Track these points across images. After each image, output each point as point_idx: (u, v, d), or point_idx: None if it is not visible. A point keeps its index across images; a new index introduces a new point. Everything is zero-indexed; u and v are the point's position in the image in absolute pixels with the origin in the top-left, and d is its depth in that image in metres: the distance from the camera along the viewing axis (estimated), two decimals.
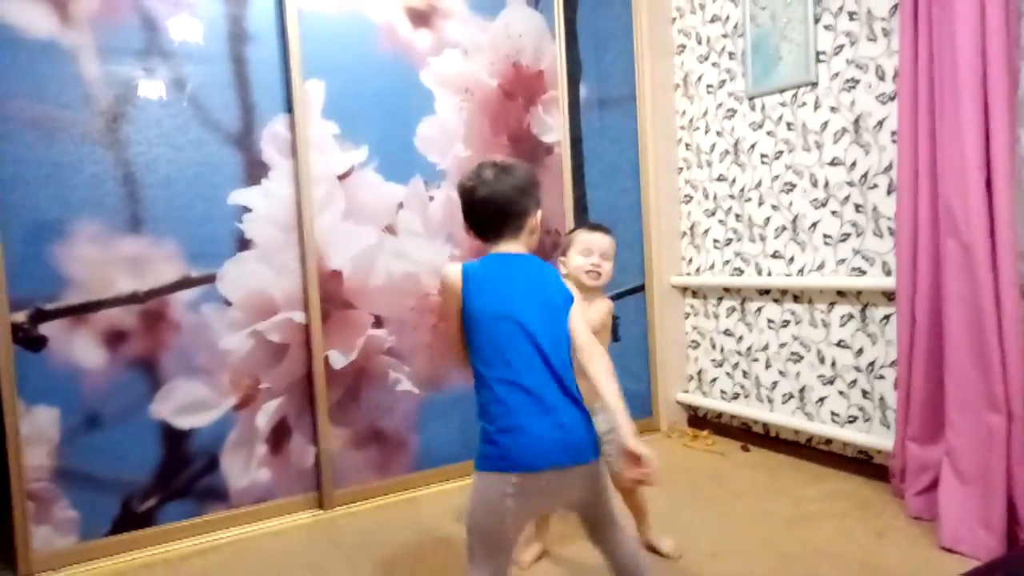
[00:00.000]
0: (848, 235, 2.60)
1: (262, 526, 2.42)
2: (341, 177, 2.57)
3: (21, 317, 2.13)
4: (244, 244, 2.42)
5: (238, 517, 2.41)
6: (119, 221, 2.25)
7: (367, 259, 2.62)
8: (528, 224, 1.49)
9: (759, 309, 2.98)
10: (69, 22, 2.17)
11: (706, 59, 3.14)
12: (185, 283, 2.34)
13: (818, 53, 2.65)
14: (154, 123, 2.30)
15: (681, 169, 3.33)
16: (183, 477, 2.35)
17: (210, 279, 2.37)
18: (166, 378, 2.31)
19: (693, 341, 3.33)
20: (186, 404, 2.34)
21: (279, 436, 2.49)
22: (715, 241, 3.17)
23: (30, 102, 2.13)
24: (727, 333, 3.14)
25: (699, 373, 3.31)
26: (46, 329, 2.16)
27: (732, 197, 3.07)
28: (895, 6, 2.38)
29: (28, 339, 2.14)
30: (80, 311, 2.20)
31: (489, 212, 1.46)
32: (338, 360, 2.56)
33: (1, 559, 2.22)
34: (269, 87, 2.45)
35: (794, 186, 2.79)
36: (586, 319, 1.50)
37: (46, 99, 2.15)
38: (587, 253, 1.95)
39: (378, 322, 2.64)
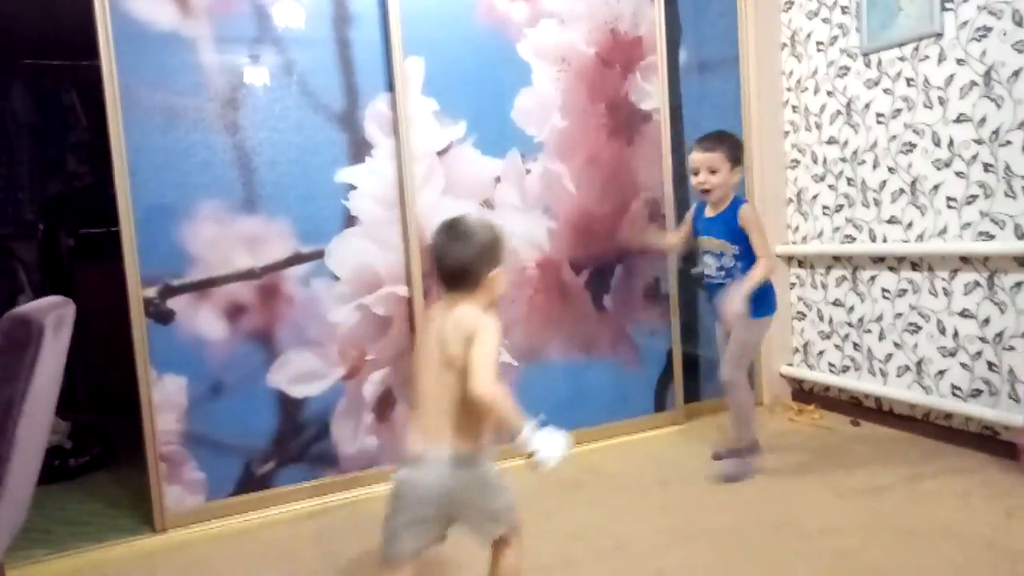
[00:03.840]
0: (975, 197, 2.42)
1: (371, 490, 2.53)
2: (440, 153, 2.61)
3: (152, 292, 2.29)
4: (350, 221, 2.51)
5: (348, 482, 2.53)
6: (235, 201, 2.37)
7: None
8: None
9: (872, 278, 2.83)
10: (189, 14, 2.29)
11: (816, 15, 2.97)
12: (296, 259, 2.45)
13: (944, 1, 2.45)
14: (263, 107, 2.40)
15: (787, 133, 3.18)
16: (297, 443, 2.48)
17: (319, 255, 2.47)
18: (281, 349, 2.44)
19: (799, 312, 3.21)
20: (299, 374, 2.46)
21: (384, 405, 2.58)
22: (824, 207, 3.02)
23: (155, 91, 2.27)
24: (836, 303, 3.00)
25: (805, 345, 3.19)
26: (174, 303, 2.31)
27: (844, 160, 2.91)
28: None
29: (158, 313, 2.30)
30: (203, 286, 2.35)
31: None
32: None
33: (139, 516, 2.42)
34: (371, 67, 2.51)
35: (914, 146, 2.61)
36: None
37: (169, 88, 2.28)
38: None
39: None
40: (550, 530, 2.15)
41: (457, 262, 1.46)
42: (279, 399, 2.44)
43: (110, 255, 2.61)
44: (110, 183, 2.24)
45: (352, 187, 2.51)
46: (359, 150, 2.51)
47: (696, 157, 2.39)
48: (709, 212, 2.44)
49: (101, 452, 3.07)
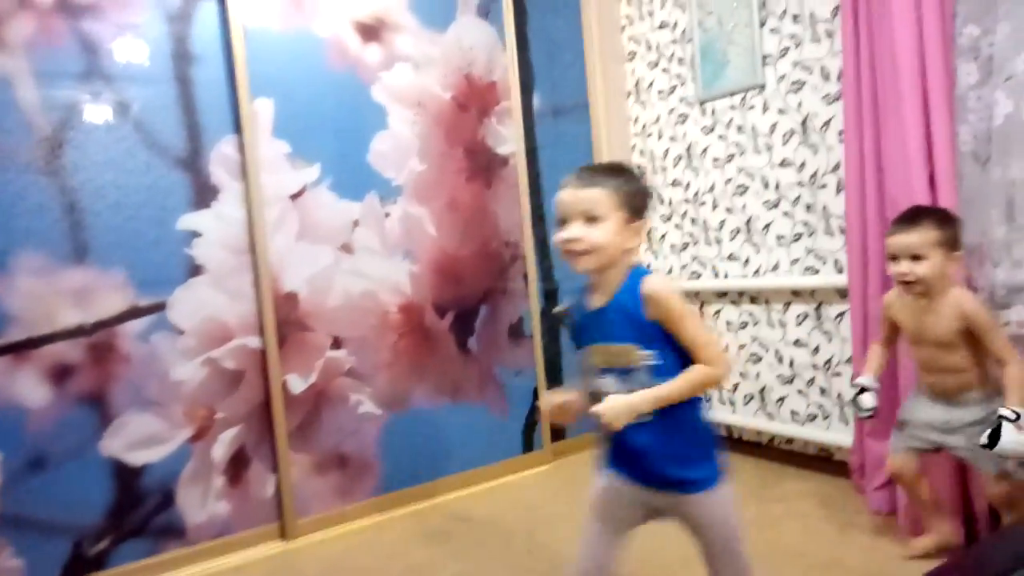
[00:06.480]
0: (800, 235, 2.63)
1: (223, 561, 2.34)
2: (294, 197, 2.52)
3: None
4: (195, 270, 2.35)
5: (197, 554, 2.33)
6: (63, 251, 2.17)
7: (323, 279, 2.56)
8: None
9: (717, 312, 3.00)
10: (1, 47, 2.09)
11: (656, 65, 3.17)
12: (133, 313, 2.26)
13: (764, 56, 2.69)
14: (99, 148, 2.22)
15: None
16: (137, 515, 2.26)
17: (160, 307, 2.30)
18: (116, 413, 2.23)
19: None
20: (138, 439, 2.26)
21: (237, 466, 2.41)
22: (672, 246, 3.19)
23: None
24: None
25: None
26: None
27: (687, 202, 3.09)
28: (836, 8, 2.43)
29: None
30: (22, 347, 2.11)
31: None
32: (296, 384, 2.50)
33: None
34: (216, 108, 2.39)
35: (746, 188, 2.82)
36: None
37: None
38: None
39: (337, 343, 2.59)
40: None
41: None
42: (114, 468, 2.22)
43: None
44: None
45: (197, 234, 2.36)
46: (204, 194, 2.37)
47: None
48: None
49: None
